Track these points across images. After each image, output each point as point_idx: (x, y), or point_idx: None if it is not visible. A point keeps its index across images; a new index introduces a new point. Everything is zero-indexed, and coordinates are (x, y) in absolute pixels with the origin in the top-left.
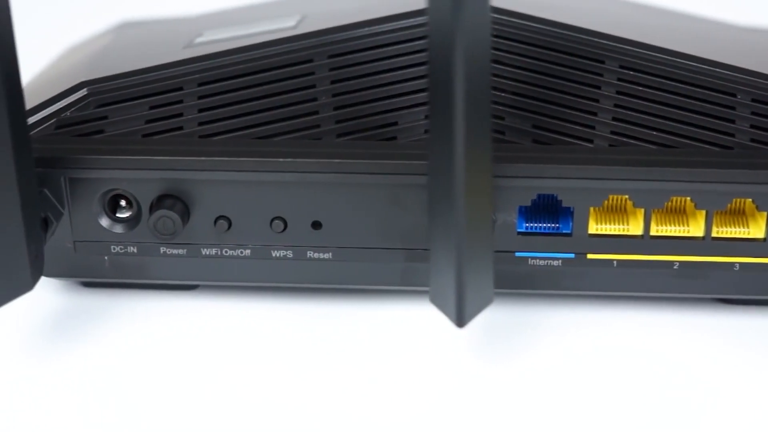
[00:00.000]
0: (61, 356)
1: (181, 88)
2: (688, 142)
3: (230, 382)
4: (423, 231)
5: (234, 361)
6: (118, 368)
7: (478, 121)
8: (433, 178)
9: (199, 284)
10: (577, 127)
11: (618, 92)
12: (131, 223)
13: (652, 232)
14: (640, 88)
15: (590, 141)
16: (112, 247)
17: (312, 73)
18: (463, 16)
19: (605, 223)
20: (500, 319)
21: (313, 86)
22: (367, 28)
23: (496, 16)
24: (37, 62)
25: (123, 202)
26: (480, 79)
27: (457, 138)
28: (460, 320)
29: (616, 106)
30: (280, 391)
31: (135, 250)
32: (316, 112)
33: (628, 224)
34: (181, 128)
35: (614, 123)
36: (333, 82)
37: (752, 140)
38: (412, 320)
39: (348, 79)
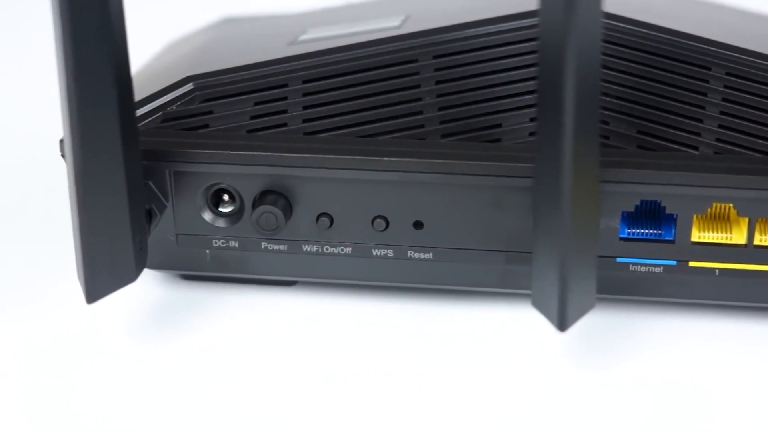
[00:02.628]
0: (159, 347)
1: (286, 85)
2: None
3: (324, 378)
4: (524, 234)
5: (329, 359)
6: (213, 361)
7: (587, 125)
8: (540, 182)
9: (298, 280)
10: (683, 134)
11: (724, 99)
12: (234, 217)
13: (756, 242)
14: (747, 96)
15: (695, 148)
16: (214, 241)
17: (417, 73)
18: (575, 20)
19: (708, 231)
20: (599, 325)
21: (418, 86)
22: (472, 29)
23: (603, 20)
24: (140, 57)
25: (226, 197)
26: (590, 83)
27: (566, 141)
28: (562, 324)
29: (722, 113)
30: (375, 389)
31: (236, 245)
32: (421, 112)
33: (731, 233)
34: (285, 125)
35: (720, 130)
36: (438, 83)
37: None
38: (510, 323)
39: (453, 79)
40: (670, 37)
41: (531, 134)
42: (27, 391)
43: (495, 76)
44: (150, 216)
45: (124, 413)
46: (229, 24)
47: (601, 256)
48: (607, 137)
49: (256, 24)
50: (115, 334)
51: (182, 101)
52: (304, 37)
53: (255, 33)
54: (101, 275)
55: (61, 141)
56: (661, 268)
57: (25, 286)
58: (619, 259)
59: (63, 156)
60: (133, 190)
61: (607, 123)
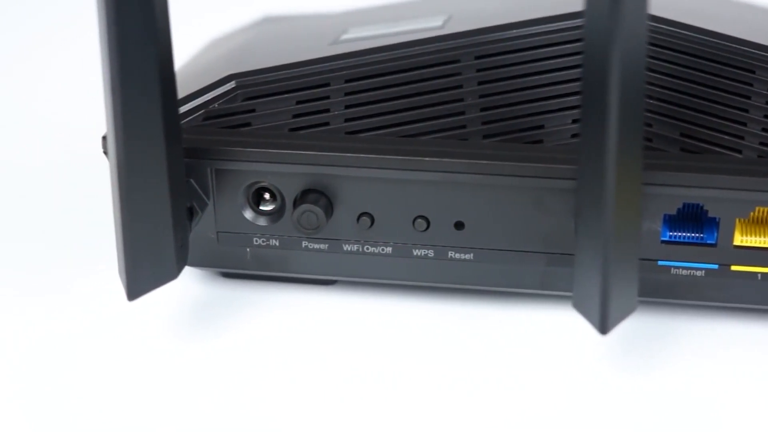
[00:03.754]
0: (198, 344)
1: (328, 84)
2: None
3: (361, 378)
4: (566, 235)
5: (367, 359)
6: (250, 358)
7: (631, 127)
8: (583, 184)
9: (337, 280)
10: (726, 137)
11: None
12: (274, 216)
13: None
14: None
15: (738, 151)
16: (255, 239)
17: (459, 74)
18: (621, 22)
19: (751, 235)
20: (640, 328)
21: (460, 86)
22: (515, 30)
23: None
24: (180, 55)
25: (267, 195)
26: (635, 85)
27: (610, 143)
28: (604, 327)
29: (766, 116)
30: (412, 391)
31: (277, 243)
32: (463, 113)
33: None
34: (327, 124)
35: (764, 134)
36: (480, 83)
37: None
38: (550, 325)
39: (495, 80)
40: (714, 40)
41: (573, 136)
42: (68, 387)
43: (538, 77)
44: (191, 214)
45: (161, 408)
46: (269, 23)
47: (642, 259)
48: (650, 140)
49: (297, 23)
50: (155, 331)
51: (224, 99)
52: (345, 36)
53: (296, 32)
54: (143, 272)
55: (104, 138)
56: (703, 271)
57: (65, 283)
58: (660, 262)
59: (105, 153)
60: (176, 187)
61: (650, 125)
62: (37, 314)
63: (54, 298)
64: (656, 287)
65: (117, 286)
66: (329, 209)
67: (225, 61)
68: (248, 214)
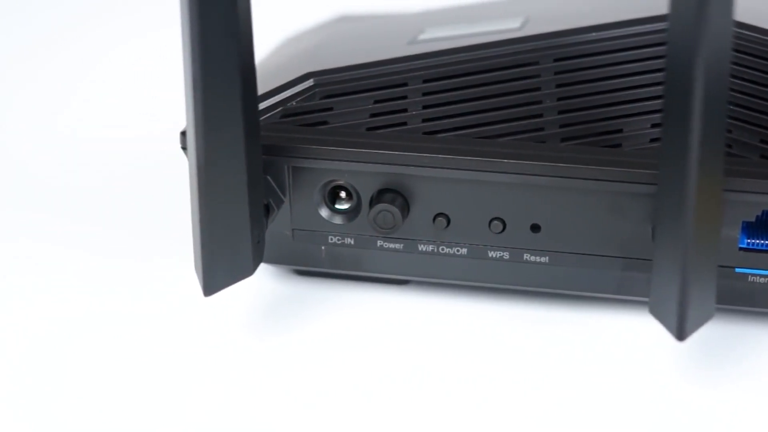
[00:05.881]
0: (271, 339)
1: (406, 84)
2: None
3: (430, 379)
4: (643, 240)
5: (438, 359)
6: (320, 355)
7: (713, 133)
8: (663, 189)
9: (411, 280)
10: None
11: None
12: (350, 214)
13: None
14: None
15: None
16: (330, 237)
17: (538, 76)
18: (707, 27)
19: None
20: (716, 336)
21: (539, 89)
22: (594, 33)
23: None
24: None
25: (343, 194)
26: (718, 90)
27: (692, 149)
28: (681, 334)
29: None
30: (480, 394)
31: (352, 242)
32: (541, 115)
33: None
34: (405, 124)
35: None
36: (559, 86)
37: None
38: (625, 330)
39: (574, 83)
40: None
41: (652, 140)
42: (144, 379)
43: (617, 80)
44: (267, 211)
45: (230, 402)
46: (345, 22)
47: (720, 266)
48: (730, 146)
49: (373, 22)
50: (229, 326)
51: (302, 97)
52: (423, 36)
53: (373, 31)
54: (219, 268)
55: (182, 133)
56: None
57: (142, 278)
58: (738, 270)
59: (183, 149)
60: (253, 184)
61: (730, 131)
62: (111, 308)
63: (129, 293)
64: (733, 295)
65: (193, 281)
66: (405, 209)
67: (302, 59)
68: (324, 213)
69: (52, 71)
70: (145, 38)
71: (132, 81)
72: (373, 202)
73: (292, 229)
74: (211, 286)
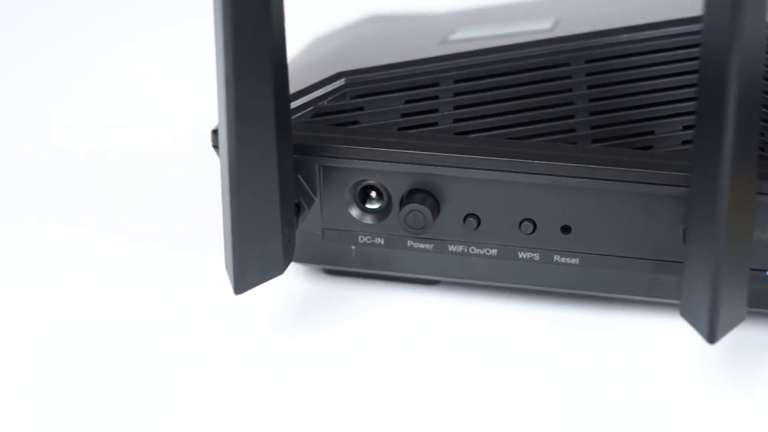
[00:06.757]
0: (299, 339)
1: (437, 84)
2: None
3: (458, 379)
4: (674, 243)
5: (467, 360)
6: (350, 355)
7: (747, 135)
8: (695, 191)
9: (440, 280)
10: None
11: None
12: (380, 214)
13: None
14: None
15: None
16: (360, 237)
17: (569, 77)
18: (741, 29)
19: None
20: (746, 339)
21: (570, 90)
22: (626, 35)
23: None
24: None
25: (373, 194)
26: (752, 93)
27: (725, 151)
28: (712, 336)
29: None
30: (507, 394)
31: (382, 242)
32: (572, 117)
33: None
34: (436, 124)
35: None
36: (590, 87)
37: None
38: (655, 332)
39: (605, 85)
40: None
41: (684, 142)
42: (174, 377)
43: (649, 82)
44: (298, 210)
45: (258, 400)
46: (376, 21)
47: (751, 269)
48: (762, 148)
49: (403, 22)
50: (259, 325)
51: (333, 96)
52: (454, 36)
53: (404, 31)
54: (250, 267)
55: (214, 132)
56: None
57: (172, 276)
58: None
59: (215, 147)
60: (285, 183)
61: (762, 134)
62: (142, 307)
63: (160, 292)
64: (764, 298)
65: (224, 279)
66: (436, 209)
67: (333, 59)
68: (354, 212)
69: (52, 71)
70: (145, 38)
71: (131, 81)
72: (403, 202)
73: (323, 229)
74: (241, 285)
